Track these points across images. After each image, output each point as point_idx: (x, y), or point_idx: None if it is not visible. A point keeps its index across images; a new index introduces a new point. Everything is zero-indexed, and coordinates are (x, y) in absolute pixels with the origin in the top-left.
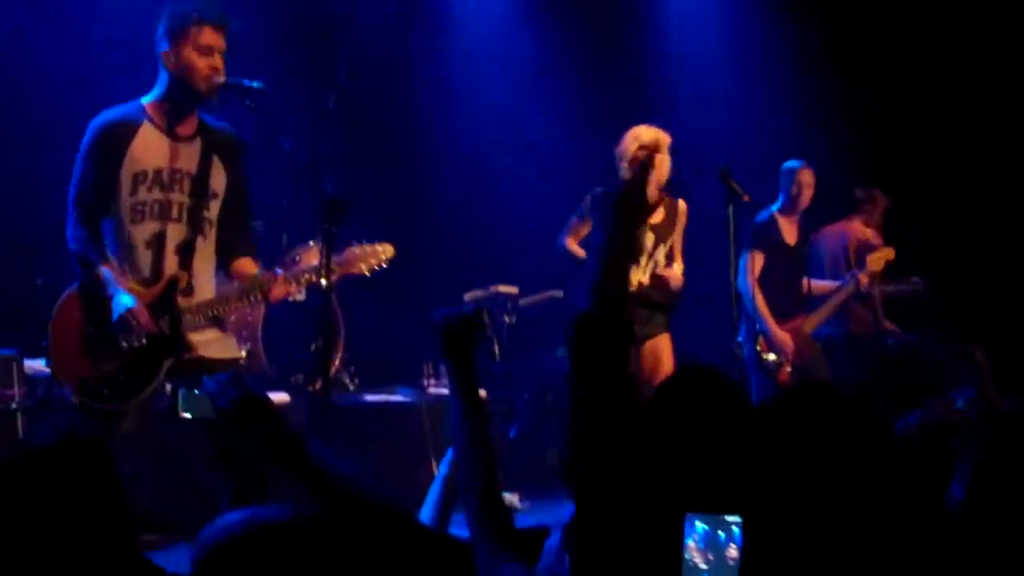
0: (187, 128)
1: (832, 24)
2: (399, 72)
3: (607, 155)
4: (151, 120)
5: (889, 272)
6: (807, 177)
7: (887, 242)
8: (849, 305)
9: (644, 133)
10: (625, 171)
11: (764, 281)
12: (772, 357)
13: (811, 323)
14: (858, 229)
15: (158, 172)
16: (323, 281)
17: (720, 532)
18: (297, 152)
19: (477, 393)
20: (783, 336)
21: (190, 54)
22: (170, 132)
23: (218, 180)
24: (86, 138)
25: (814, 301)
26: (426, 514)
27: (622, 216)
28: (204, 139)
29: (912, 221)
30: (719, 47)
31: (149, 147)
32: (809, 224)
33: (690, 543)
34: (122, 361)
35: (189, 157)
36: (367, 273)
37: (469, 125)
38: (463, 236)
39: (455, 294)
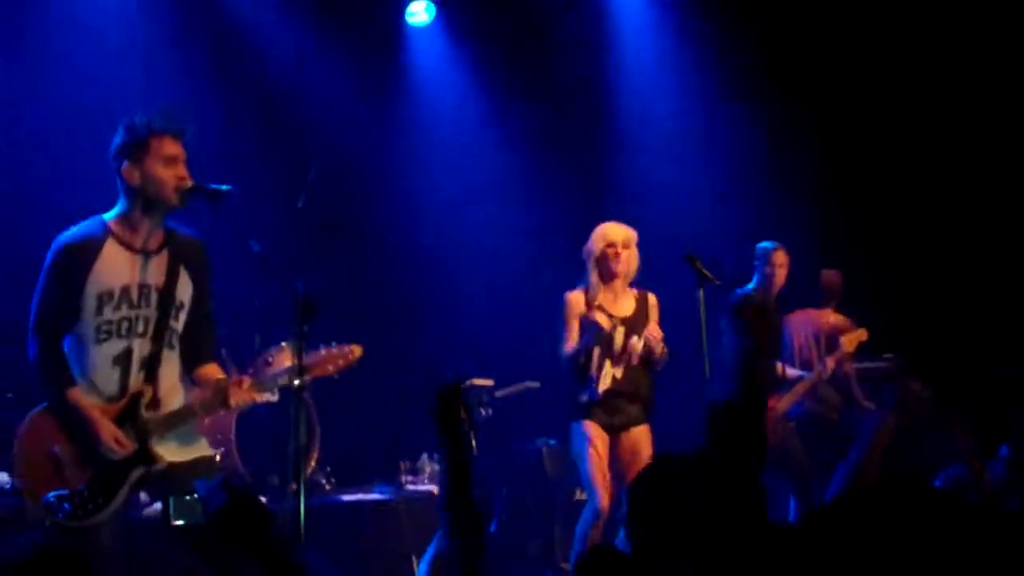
0: (153, 241)
1: (795, 97)
2: (369, 168)
3: (575, 244)
4: (115, 237)
5: (866, 350)
6: (780, 258)
7: (861, 322)
8: (817, 387)
9: (611, 232)
10: (592, 269)
11: None
12: None
13: (785, 403)
14: (828, 315)
15: (125, 289)
16: (295, 383)
17: None
18: (267, 254)
19: (467, 467)
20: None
21: (154, 166)
22: (135, 247)
23: (184, 291)
24: (48, 258)
25: (787, 383)
26: None
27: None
28: (171, 250)
29: (887, 298)
30: (684, 124)
31: (113, 266)
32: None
33: None
34: (88, 478)
35: (156, 270)
36: (335, 375)
37: (439, 221)
38: (436, 331)
39: (429, 390)
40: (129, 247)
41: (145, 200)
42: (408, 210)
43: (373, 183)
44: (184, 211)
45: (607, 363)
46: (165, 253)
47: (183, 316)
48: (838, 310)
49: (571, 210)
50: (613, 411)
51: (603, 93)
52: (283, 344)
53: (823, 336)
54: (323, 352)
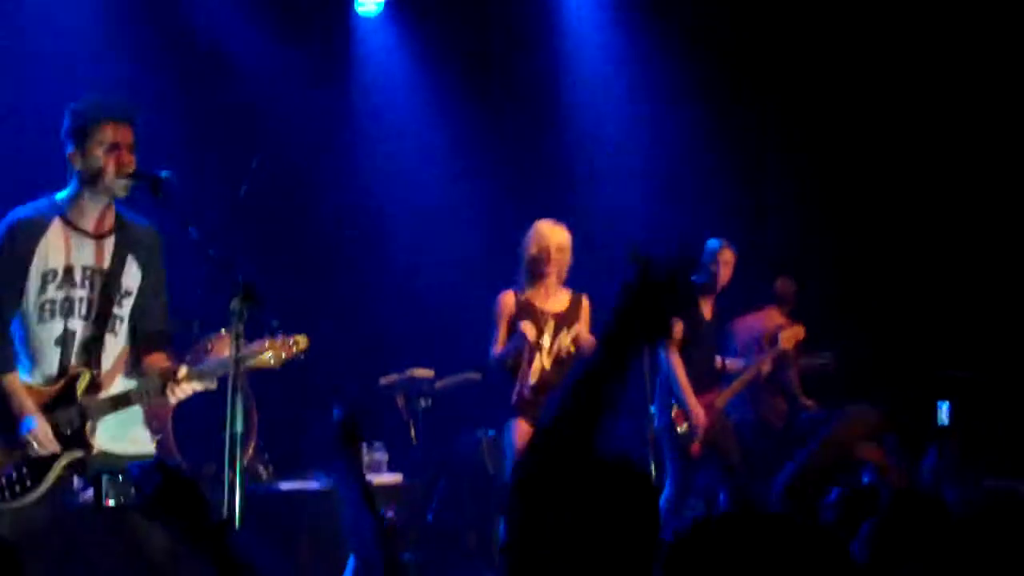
0: (101, 225)
1: (750, 91)
2: (309, 158)
3: (522, 235)
4: (63, 218)
5: (803, 348)
6: (727, 256)
7: (798, 319)
8: (760, 393)
9: (546, 235)
10: (524, 268)
11: (681, 353)
12: (684, 428)
13: (724, 398)
14: (773, 316)
15: (68, 270)
16: (232, 371)
17: None
18: (206, 241)
19: (369, 492)
20: (700, 411)
21: (96, 152)
22: (83, 229)
23: (131, 278)
24: None
25: (727, 379)
26: None
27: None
28: (120, 236)
29: (824, 295)
30: (634, 112)
31: (58, 245)
32: (723, 306)
33: None
34: (15, 460)
35: (103, 254)
36: (277, 367)
37: (382, 212)
38: (377, 321)
39: (370, 379)
40: (76, 228)
41: (88, 184)
42: (352, 200)
43: (318, 172)
44: (128, 202)
45: (536, 356)
46: (113, 239)
47: (128, 303)
48: (791, 318)
49: (518, 200)
50: (541, 407)
51: (553, 82)
52: (222, 331)
53: (766, 336)
54: (266, 343)
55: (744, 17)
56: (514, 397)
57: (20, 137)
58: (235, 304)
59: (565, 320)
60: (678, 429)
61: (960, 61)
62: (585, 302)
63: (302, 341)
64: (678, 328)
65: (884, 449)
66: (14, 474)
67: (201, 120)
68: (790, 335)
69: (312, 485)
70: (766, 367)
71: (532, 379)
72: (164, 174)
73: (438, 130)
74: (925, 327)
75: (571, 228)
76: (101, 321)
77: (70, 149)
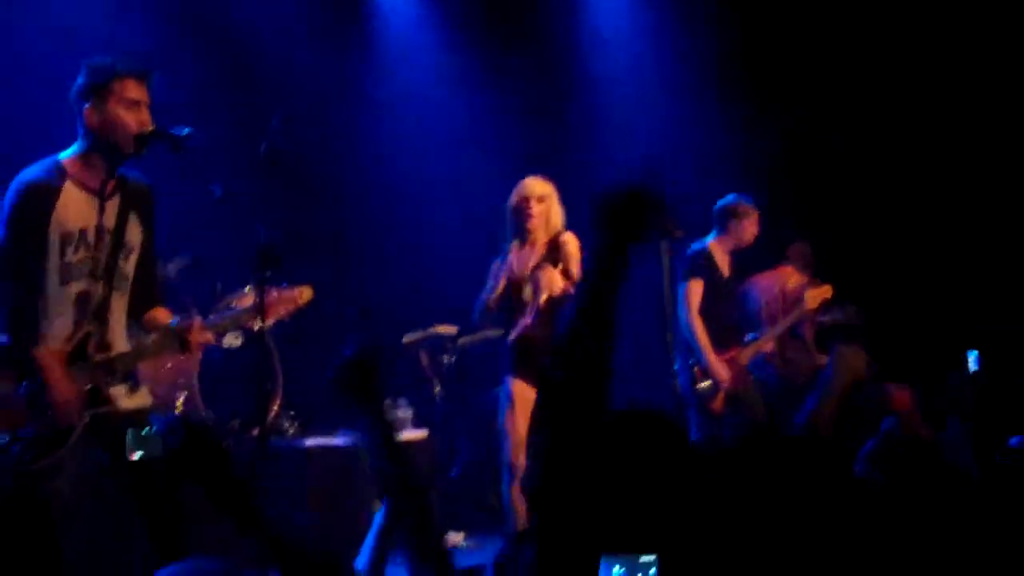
0: (107, 184)
1: (762, 51)
2: (331, 116)
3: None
4: (72, 178)
5: (829, 303)
6: (750, 213)
7: (821, 278)
8: (785, 350)
9: (527, 186)
10: (510, 223)
11: (701, 312)
12: (706, 384)
13: (746, 354)
14: (792, 275)
15: (83, 232)
16: (257, 327)
17: (638, 575)
18: (228, 199)
19: (393, 437)
20: (720, 365)
21: (117, 109)
22: (92, 189)
23: (134, 235)
24: (10, 200)
25: (750, 335)
26: (361, 562)
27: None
28: (122, 193)
29: (845, 249)
30: (648, 72)
31: (73, 207)
32: (739, 263)
33: None
34: (35, 421)
35: (110, 213)
36: (286, 317)
37: (403, 167)
38: (401, 278)
39: (394, 336)
40: (86, 188)
41: (104, 143)
42: (372, 156)
43: (337, 128)
44: (146, 155)
45: (517, 312)
46: (118, 197)
47: (132, 259)
48: (815, 278)
49: (537, 157)
50: (531, 361)
51: (571, 40)
52: (245, 290)
53: (788, 294)
54: (274, 294)
55: None
56: (507, 352)
57: (32, 100)
58: (256, 262)
59: (538, 272)
60: (699, 386)
61: (994, 29)
62: (564, 240)
63: (307, 292)
64: (698, 287)
65: (913, 399)
66: (33, 435)
67: (222, 78)
68: (816, 294)
69: (337, 441)
70: (788, 325)
71: (513, 335)
72: (185, 131)
73: (458, 88)
74: (952, 280)
75: (588, 195)
76: (110, 280)
77: (86, 105)
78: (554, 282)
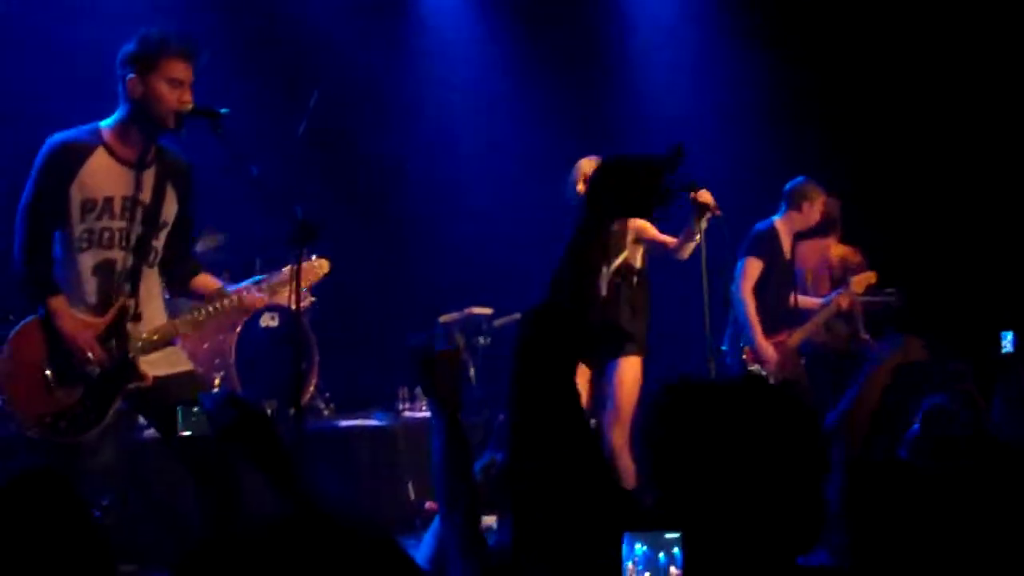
0: (144, 156)
1: (802, 32)
2: (369, 96)
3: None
4: (107, 146)
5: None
6: (817, 196)
7: (865, 256)
8: (830, 321)
9: (588, 167)
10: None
11: (757, 292)
12: (756, 368)
13: (796, 338)
14: (837, 247)
15: (108, 200)
16: (294, 306)
17: (660, 553)
18: (265, 178)
19: (458, 424)
20: (770, 349)
21: (160, 85)
22: (125, 159)
23: (169, 210)
24: (39, 158)
25: (800, 316)
26: (420, 556)
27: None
28: (160, 167)
29: (888, 232)
30: (690, 59)
31: (99, 175)
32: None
33: (629, 565)
34: (79, 394)
35: (143, 185)
36: (307, 289)
37: (439, 147)
38: (436, 258)
39: (429, 317)
40: (119, 159)
41: (143, 115)
42: (410, 135)
43: (375, 108)
44: (186, 134)
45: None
46: (154, 169)
47: (163, 235)
48: (841, 241)
49: (574, 136)
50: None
51: (608, 20)
52: (284, 270)
53: (834, 268)
54: (291, 267)
55: None
56: None
57: (74, 71)
58: (294, 241)
59: (615, 247)
60: (749, 369)
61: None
62: (632, 223)
63: (324, 265)
64: (756, 265)
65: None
66: (78, 408)
67: (260, 58)
68: (862, 279)
69: (371, 422)
70: (836, 311)
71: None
72: (224, 111)
73: (498, 71)
74: (990, 263)
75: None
76: (140, 252)
77: (131, 75)
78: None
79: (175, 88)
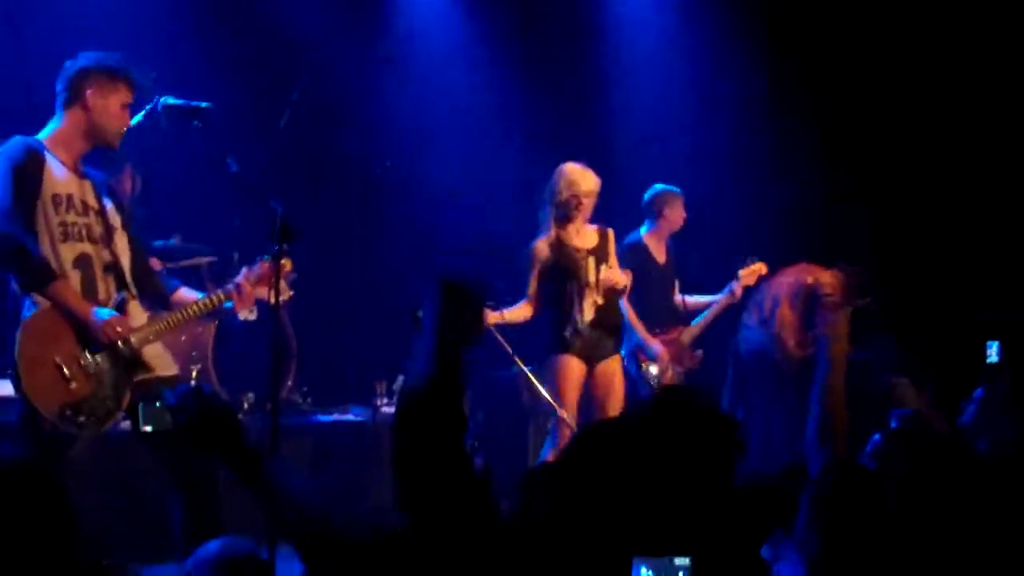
0: (78, 166)
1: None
2: (348, 93)
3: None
4: (50, 152)
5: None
6: (674, 202)
7: (832, 261)
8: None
9: (580, 181)
10: (553, 210)
11: (635, 298)
12: (654, 370)
13: (689, 334)
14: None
15: (70, 197)
16: (272, 300)
17: None
18: (244, 173)
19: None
20: (655, 342)
21: (115, 105)
22: (68, 165)
23: (114, 216)
24: (9, 153)
25: (693, 315)
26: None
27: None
28: (90, 177)
29: (864, 237)
30: (678, 61)
31: (56, 172)
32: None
33: None
34: (94, 385)
35: (88, 191)
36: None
37: (420, 143)
38: (415, 256)
39: (406, 314)
40: (63, 163)
41: (93, 127)
42: (391, 131)
43: (356, 103)
44: (168, 128)
45: (587, 293)
46: (88, 180)
47: (120, 240)
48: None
49: (556, 141)
50: (594, 344)
51: (594, 25)
52: (260, 260)
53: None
54: (265, 265)
55: None
56: (567, 333)
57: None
58: (273, 235)
59: (599, 254)
60: (650, 371)
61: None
62: (611, 235)
63: (287, 263)
64: (627, 276)
65: (924, 394)
66: (95, 399)
67: (241, 51)
68: (751, 271)
69: (349, 417)
70: (727, 303)
71: (588, 316)
72: (204, 105)
73: (477, 62)
74: (968, 270)
75: (603, 174)
76: (112, 249)
77: (89, 90)
78: (616, 276)
79: (124, 111)
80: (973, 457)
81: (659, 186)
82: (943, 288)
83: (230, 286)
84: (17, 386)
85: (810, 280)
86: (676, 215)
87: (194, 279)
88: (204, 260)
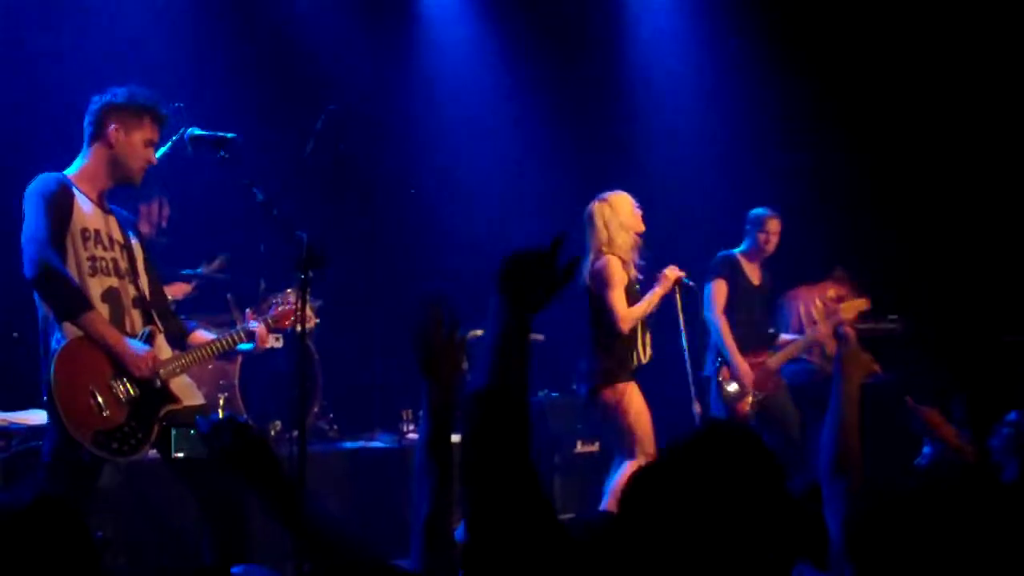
0: (103, 202)
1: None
2: (378, 117)
3: (583, 198)
4: (78, 188)
5: (870, 314)
6: (774, 225)
7: (866, 284)
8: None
9: (635, 212)
10: (617, 233)
11: (729, 317)
12: (733, 388)
13: (777, 359)
14: (828, 288)
15: (97, 232)
16: (299, 328)
17: None
18: (271, 201)
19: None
20: (745, 366)
21: (138, 142)
22: (94, 201)
23: (137, 252)
24: (38, 189)
25: (779, 345)
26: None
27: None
28: (115, 214)
29: (892, 259)
30: (695, 67)
31: (84, 208)
32: (777, 276)
33: None
34: (125, 414)
35: (113, 227)
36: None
37: (447, 171)
38: (440, 281)
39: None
40: (90, 199)
41: (116, 163)
42: (417, 159)
43: (383, 131)
44: (195, 158)
45: (647, 330)
46: (113, 216)
47: (143, 273)
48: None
49: (580, 165)
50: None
51: (618, 49)
52: (287, 291)
53: (827, 303)
54: (290, 298)
55: None
56: (633, 362)
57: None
58: (299, 264)
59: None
60: (728, 389)
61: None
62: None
63: (311, 320)
64: (723, 291)
65: (949, 419)
66: (127, 428)
67: (267, 81)
68: (851, 306)
69: (376, 443)
70: (823, 336)
71: (646, 355)
72: (230, 136)
73: (503, 90)
74: (996, 292)
75: (624, 185)
76: (138, 285)
77: (113, 125)
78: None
79: (148, 147)
80: (999, 487)
81: (759, 209)
82: (974, 309)
83: (250, 326)
84: (52, 413)
85: (831, 293)
86: (771, 239)
87: (220, 304)
88: (218, 261)
